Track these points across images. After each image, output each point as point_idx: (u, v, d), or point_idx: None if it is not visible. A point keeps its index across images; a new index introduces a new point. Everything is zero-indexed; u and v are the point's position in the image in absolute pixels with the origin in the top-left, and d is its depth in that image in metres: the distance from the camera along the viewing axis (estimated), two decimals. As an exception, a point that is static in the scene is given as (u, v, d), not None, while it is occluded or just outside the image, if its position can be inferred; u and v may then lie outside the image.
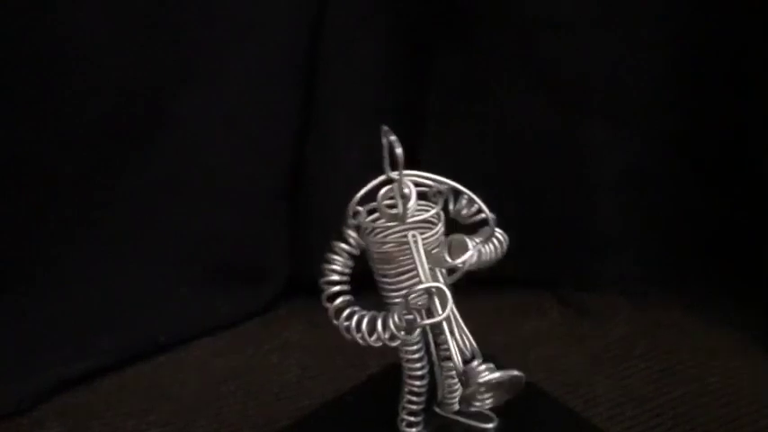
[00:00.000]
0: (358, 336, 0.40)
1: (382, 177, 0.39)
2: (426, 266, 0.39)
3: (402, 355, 0.44)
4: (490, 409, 0.48)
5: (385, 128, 0.38)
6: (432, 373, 0.46)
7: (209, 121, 0.66)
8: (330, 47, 0.66)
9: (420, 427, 0.47)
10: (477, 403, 0.40)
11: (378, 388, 0.51)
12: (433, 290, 0.38)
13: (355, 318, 0.40)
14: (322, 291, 0.41)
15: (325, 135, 0.68)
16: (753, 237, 0.68)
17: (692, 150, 0.69)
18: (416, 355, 0.43)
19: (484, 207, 0.41)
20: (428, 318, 0.39)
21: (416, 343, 0.43)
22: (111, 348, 0.65)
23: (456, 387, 0.48)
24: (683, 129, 0.68)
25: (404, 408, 0.46)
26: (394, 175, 0.38)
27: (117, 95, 0.63)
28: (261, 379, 0.63)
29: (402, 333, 0.39)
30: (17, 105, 0.61)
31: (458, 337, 0.40)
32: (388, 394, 0.47)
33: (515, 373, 0.39)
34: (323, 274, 0.41)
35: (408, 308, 0.39)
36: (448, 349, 0.40)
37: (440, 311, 0.38)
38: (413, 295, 0.38)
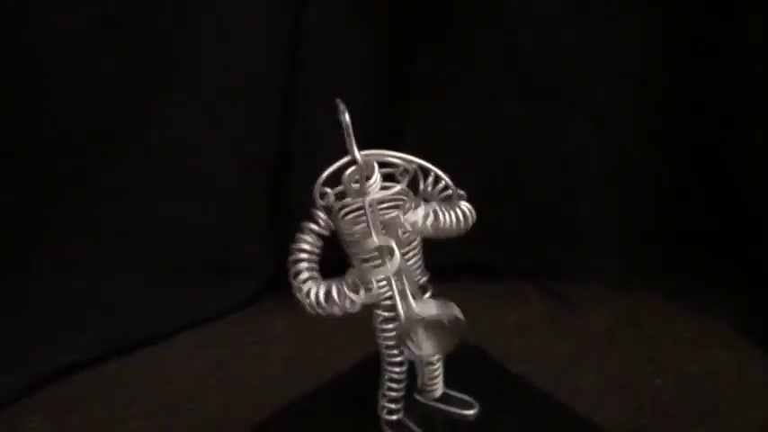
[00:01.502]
0: (319, 309, 0.40)
1: (347, 158, 0.39)
2: (379, 227, 0.39)
3: (380, 341, 0.44)
4: (472, 396, 0.48)
5: (340, 106, 0.38)
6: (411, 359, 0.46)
7: (193, 119, 0.66)
8: (312, 44, 0.66)
9: (401, 414, 0.47)
10: (412, 345, 0.40)
11: (359, 378, 0.51)
12: (384, 247, 0.39)
13: (313, 290, 0.40)
14: (289, 270, 0.41)
15: (307, 131, 0.68)
16: (735, 227, 0.68)
17: (673, 141, 0.69)
18: (394, 341, 0.43)
19: (450, 183, 0.42)
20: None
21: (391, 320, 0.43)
22: (94, 343, 0.65)
23: (437, 373, 0.48)
24: (663, 121, 0.69)
25: (384, 395, 0.46)
26: (357, 154, 0.38)
27: (102, 94, 0.62)
28: (244, 371, 0.63)
29: (355, 295, 0.40)
30: (7, 103, 0.61)
31: (407, 292, 0.40)
32: (368, 384, 0.47)
33: (454, 311, 0.39)
34: (291, 254, 0.41)
35: (361, 270, 0.39)
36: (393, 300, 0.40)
37: (388, 267, 0.39)
38: (364, 255, 0.39)
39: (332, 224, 0.41)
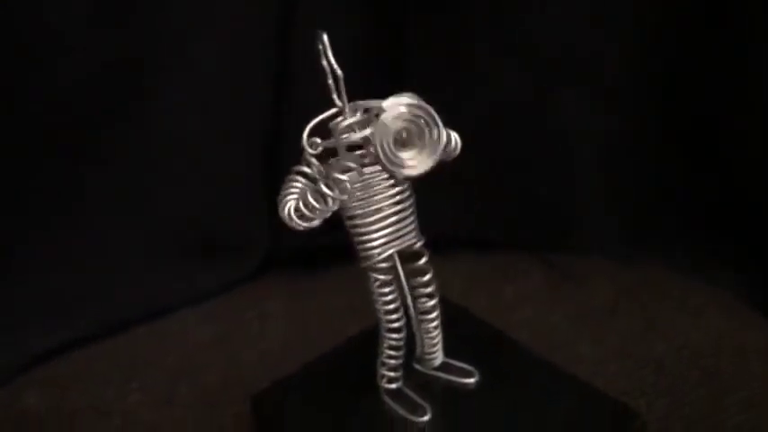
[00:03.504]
0: (302, 221, 0.40)
1: (333, 110, 0.39)
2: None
3: (378, 306, 0.43)
4: (472, 365, 0.48)
5: (322, 41, 0.38)
6: (410, 327, 0.45)
7: (187, 97, 0.66)
8: (304, 22, 0.66)
9: (400, 383, 0.46)
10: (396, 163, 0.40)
11: (358, 348, 0.51)
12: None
13: (292, 202, 0.40)
14: (279, 209, 0.40)
15: (301, 109, 0.67)
16: (735, 197, 0.68)
17: (674, 112, 0.68)
18: (392, 306, 0.43)
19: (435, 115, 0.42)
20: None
21: (391, 293, 0.43)
22: (91, 320, 0.65)
23: (436, 342, 0.48)
24: (664, 93, 0.68)
25: (383, 363, 0.46)
26: (340, 102, 0.39)
27: (91, 77, 0.62)
28: (242, 347, 0.63)
29: (329, 191, 0.39)
30: (7, 100, 0.61)
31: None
32: (368, 354, 0.47)
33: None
34: (282, 194, 0.40)
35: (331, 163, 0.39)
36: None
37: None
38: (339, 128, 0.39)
39: (322, 169, 0.41)
